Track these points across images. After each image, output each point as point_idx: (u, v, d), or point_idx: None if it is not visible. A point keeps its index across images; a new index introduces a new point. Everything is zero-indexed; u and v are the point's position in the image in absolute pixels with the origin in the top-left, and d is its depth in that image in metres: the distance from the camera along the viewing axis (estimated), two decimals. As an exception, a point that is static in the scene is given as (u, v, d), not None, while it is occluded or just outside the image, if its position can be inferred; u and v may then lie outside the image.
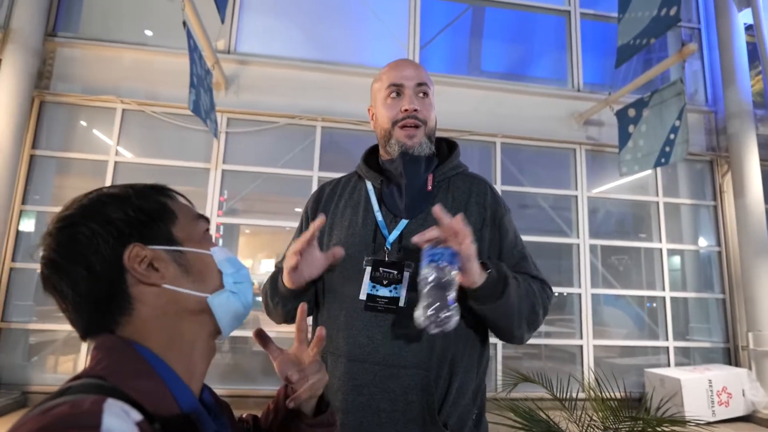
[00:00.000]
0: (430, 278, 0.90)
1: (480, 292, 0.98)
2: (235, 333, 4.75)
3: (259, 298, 1.37)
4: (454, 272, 0.91)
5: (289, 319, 1.20)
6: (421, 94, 1.16)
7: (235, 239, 5.25)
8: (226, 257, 0.69)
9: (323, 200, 1.28)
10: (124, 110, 4.69)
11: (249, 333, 4.83)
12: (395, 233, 1.11)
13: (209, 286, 0.65)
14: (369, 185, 1.21)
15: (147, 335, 0.60)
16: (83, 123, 4.71)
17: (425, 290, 0.90)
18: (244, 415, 0.82)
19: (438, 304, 0.89)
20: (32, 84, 4.27)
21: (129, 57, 4.78)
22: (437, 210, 0.92)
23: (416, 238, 0.95)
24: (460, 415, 1.05)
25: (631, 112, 4.68)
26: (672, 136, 4.19)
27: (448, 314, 0.89)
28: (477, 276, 0.97)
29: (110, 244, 0.58)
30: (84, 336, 0.60)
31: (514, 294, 1.01)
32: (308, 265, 1.06)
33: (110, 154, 4.61)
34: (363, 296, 1.07)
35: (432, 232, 0.94)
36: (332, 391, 1.07)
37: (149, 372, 0.57)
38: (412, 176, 1.14)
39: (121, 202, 0.61)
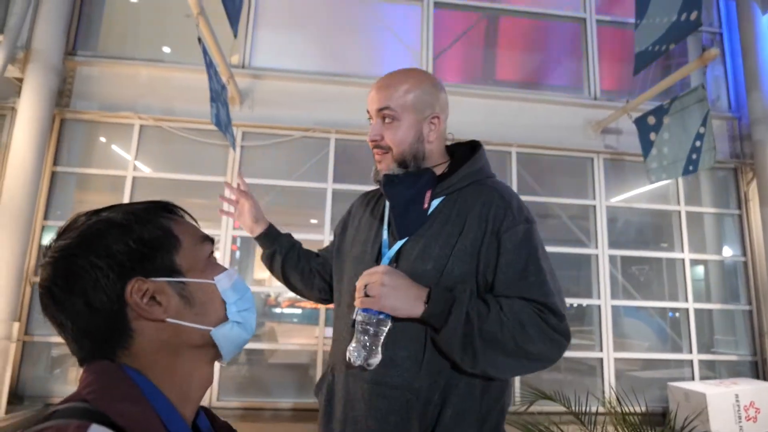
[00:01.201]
0: (357, 320, 1.03)
1: (428, 322, 1.02)
2: (251, 346, 4.76)
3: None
4: (381, 317, 1.01)
5: (276, 268, 1.45)
6: (387, 119, 1.12)
7: (252, 252, 5.29)
8: (230, 284, 0.67)
9: (353, 211, 1.37)
10: (141, 126, 4.76)
11: (265, 345, 4.85)
12: (391, 252, 1.11)
13: (212, 317, 0.64)
14: (387, 202, 1.21)
15: (145, 365, 0.59)
16: (102, 139, 4.80)
17: (356, 331, 1.04)
18: None
19: (359, 345, 1.01)
20: (53, 102, 4.37)
21: (146, 74, 4.86)
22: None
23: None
24: None
25: (651, 120, 4.57)
26: (698, 144, 4.08)
27: (366, 356, 1.01)
28: (405, 310, 1.00)
29: (110, 278, 0.57)
30: (81, 363, 0.60)
31: (455, 328, 0.97)
32: (241, 213, 1.46)
33: (128, 169, 4.68)
34: (355, 315, 1.09)
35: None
36: (336, 401, 1.12)
37: (137, 396, 0.55)
38: (395, 197, 1.12)
39: (122, 231, 0.59)
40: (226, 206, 1.53)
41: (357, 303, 1.02)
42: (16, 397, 4.09)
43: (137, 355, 0.59)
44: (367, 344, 1.00)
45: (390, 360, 1.03)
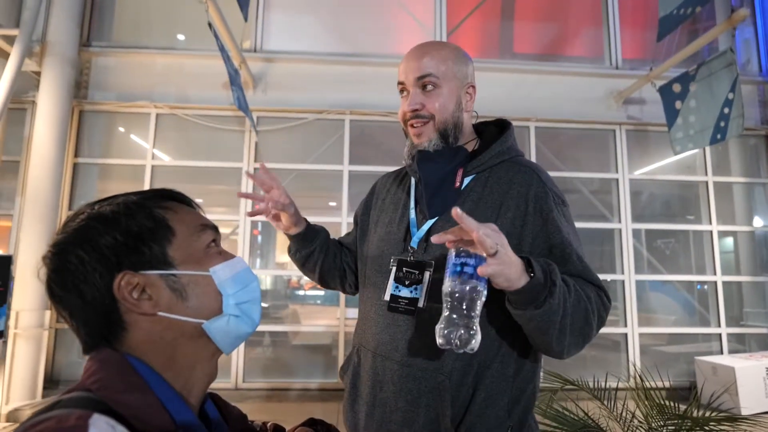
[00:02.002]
0: (452, 292, 0.80)
1: (518, 296, 0.85)
2: (275, 328, 4.85)
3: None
4: (480, 286, 0.80)
5: (309, 266, 1.32)
6: (428, 86, 1.08)
7: (273, 236, 5.34)
8: (231, 275, 0.64)
9: (376, 192, 1.31)
10: (157, 114, 4.80)
11: (288, 328, 4.92)
12: (421, 232, 1.07)
13: (207, 310, 0.62)
14: (413, 180, 1.18)
15: (144, 355, 0.58)
16: (121, 129, 4.86)
17: (445, 306, 0.82)
18: (268, 424, 0.80)
19: (455, 323, 0.81)
20: (71, 94, 4.42)
21: (160, 62, 4.88)
22: (455, 213, 0.79)
23: (435, 239, 0.84)
24: (488, 428, 0.98)
25: (676, 88, 4.40)
26: (726, 111, 3.91)
27: (465, 336, 0.80)
28: (514, 280, 0.83)
29: (99, 272, 0.57)
30: (86, 352, 0.60)
31: (559, 303, 0.87)
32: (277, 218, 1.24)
33: (147, 158, 4.74)
34: (387, 297, 1.07)
35: (449, 236, 0.83)
36: (363, 383, 1.10)
37: (142, 386, 0.55)
38: (428, 175, 1.08)
39: (109, 225, 0.58)
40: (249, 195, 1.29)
41: (490, 252, 0.78)
42: (51, 382, 4.27)
43: (135, 347, 0.58)
44: (464, 320, 0.80)
45: (422, 343, 1.01)
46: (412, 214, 1.12)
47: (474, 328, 0.81)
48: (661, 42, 4.50)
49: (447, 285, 0.81)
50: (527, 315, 0.88)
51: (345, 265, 1.35)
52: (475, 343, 0.81)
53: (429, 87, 1.08)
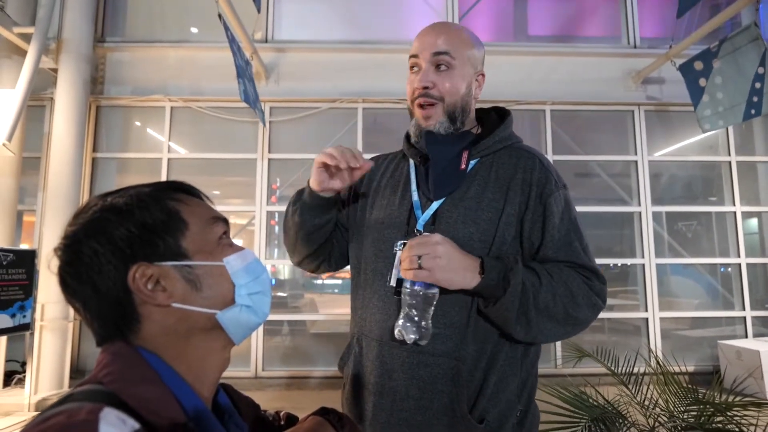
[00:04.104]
0: (405, 293, 0.95)
1: (477, 294, 0.97)
2: (293, 317, 4.90)
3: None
4: (432, 291, 0.94)
5: (313, 243, 1.14)
6: (442, 66, 1.04)
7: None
8: (243, 265, 0.65)
9: (367, 176, 1.24)
10: (172, 108, 4.84)
11: (306, 317, 4.96)
12: (427, 214, 1.05)
13: (221, 300, 0.62)
14: (411, 163, 1.16)
15: (157, 348, 0.59)
16: (137, 123, 4.92)
17: (403, 304, 0.96)
18: (281, 413, 0.80)
19: (408, 319, 0.95)
20: (87, 90, 4.48)
21: (173, 55, 4.91)
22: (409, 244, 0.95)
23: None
24: (500, 411, 0.99)
25: (698, 65, 4.26)
26: (758, 85, 3.79)
27: (415, 331, 0.94)
28: (459, 282, 0.94)
29: (113, 264, 0.57)
30: (99, 344, 0.60)
31: (513, 300, 0.93)
32: (339, 174, 1.04)
33: (163, 151, 4.79)
34: (393, 282, 1.04)
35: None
36: (367, 373, 1.07)
37: (154, 378, 0.56)
38: (436, 156, 1.06)
39: (123, 217, 0.58)
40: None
41: (409, 275, 0.93)
42: (77, 372, 4.39)
43: (148, 339, 0.59)
44: (417, 318, 0.94)
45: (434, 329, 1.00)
46: (415, 196, 1.09)
47: (422, 325, 0.95)
48: (680, 19, 4.36)
49: (404, 287, 0.96)
50: (487, 310, 0.97)
51: (335, 241, 1.22)
52: (425, 341, 0.96)
53: (443, 67, 1.05)
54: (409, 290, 0.94)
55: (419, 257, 0.91)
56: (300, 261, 1.22)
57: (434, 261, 0.91)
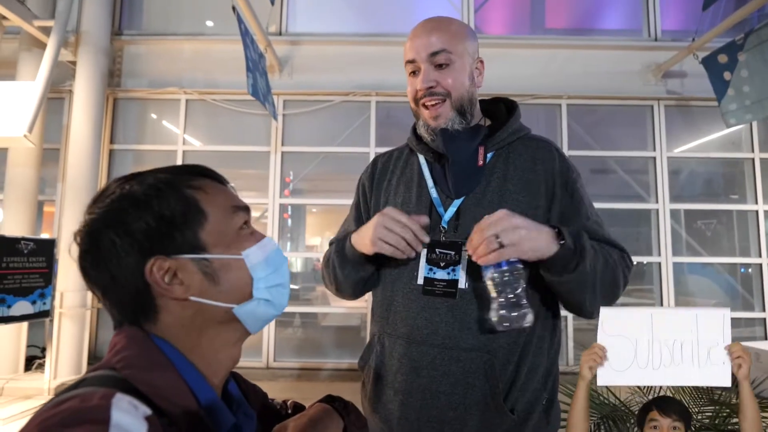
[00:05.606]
0: (494, 277, 0.89)
1: (552, 263, 0.92)
2: (305, 309, 4.94)
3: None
4: (518, 266, 0.89)
5: (358, 290, 1.17)
6: (443, 63, 1.03)
7: (303, 219, 5.40)
8: (263, 257, 0.63)
9: (377, 174, 1.24)
10: (187, 100, 4.89)
11: (317, 309, 5.00)
12: (451, 211, 1.04)
13: (239, 293, 0.61)
14: (421, 159, 1.14)
15: (172, 337, 0.59)
16: (153, 115, 4.98)
17: (493, 291, 0.90)
18: (288, 402, 0.80)
19: (506, 304, 0.89)
20: (105, 83, 4.55)
21: (188, 48, 4.95)
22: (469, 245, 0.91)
23: (469, 249, 0.92)
24: (528, 400, 0.99)
25: (722, 59, 4.12)
26: None
27: (519, 313, 0.89)
28: (544, 249, 0.90)
29: (132, 256, 0.56)
30: (116, 328, 0.61)
31: (590, 266, 0.93)
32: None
33: (178, 143, 4.85)
34: (420, 280, 1.03)
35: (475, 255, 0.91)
36: (392, 372, 1.05)
37: (167, 365, 0.56)
38: (455, 154, 1.05)
39: (141, 208, 0.57)
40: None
41: (492, 258, 0.87)
42: (95, 359, 4.50)
43: (164, 329, 0.59)
44: (514, 299, 0.89)
45: (464, 324, 0.99)
46: (434, 193, 1.08)
47: (523, 303, 0.89)
48: (705, 12, 4.23)
49: (488, 272, 0.89)
50: (563, 279, 0.93)
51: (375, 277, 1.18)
52: (531, 317, 0.90)
53: (443, 64, 1.03)
54: (497, 274, 0.88)
55: (496, 236, 0.87)
56: (343, 298, 1.24)
57: (517, 233, 0.87)
